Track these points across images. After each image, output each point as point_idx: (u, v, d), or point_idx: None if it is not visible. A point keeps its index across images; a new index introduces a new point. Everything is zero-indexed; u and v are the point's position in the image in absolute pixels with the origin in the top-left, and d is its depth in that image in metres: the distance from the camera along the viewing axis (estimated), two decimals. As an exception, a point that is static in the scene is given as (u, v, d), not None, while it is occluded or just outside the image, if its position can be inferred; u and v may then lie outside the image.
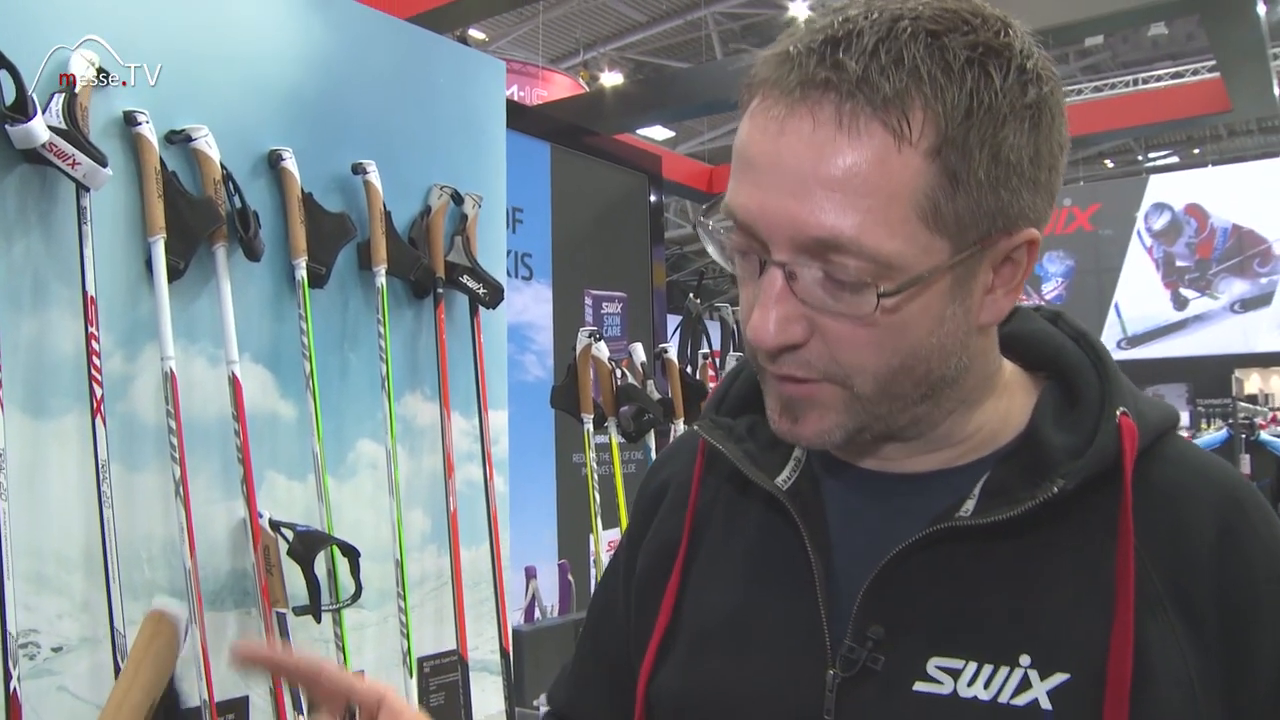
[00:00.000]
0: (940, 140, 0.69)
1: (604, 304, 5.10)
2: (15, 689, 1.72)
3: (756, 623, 0.86)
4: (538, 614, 3.76)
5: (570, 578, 3.94)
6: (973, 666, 0.76)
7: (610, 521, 3.11)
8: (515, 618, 3.36)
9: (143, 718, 0.73)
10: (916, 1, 0.72)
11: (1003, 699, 0.74)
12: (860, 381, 0.76)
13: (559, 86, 12.49)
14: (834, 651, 0.80)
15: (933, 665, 0.77)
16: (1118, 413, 0.78)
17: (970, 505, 0.79)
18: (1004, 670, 0.75)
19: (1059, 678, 0.74)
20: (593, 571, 3.18)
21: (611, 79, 13.48)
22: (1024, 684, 0.74)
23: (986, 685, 0.75)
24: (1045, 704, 0.73)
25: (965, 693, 0.75)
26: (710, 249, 0.80)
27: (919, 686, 0.77)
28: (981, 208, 0.71)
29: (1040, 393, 0.84)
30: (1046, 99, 0.73)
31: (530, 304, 4.68)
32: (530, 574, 3.80)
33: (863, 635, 0.79)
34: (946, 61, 0.69)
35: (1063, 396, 0.83)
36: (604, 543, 3.10)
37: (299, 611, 2.19)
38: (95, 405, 1.90)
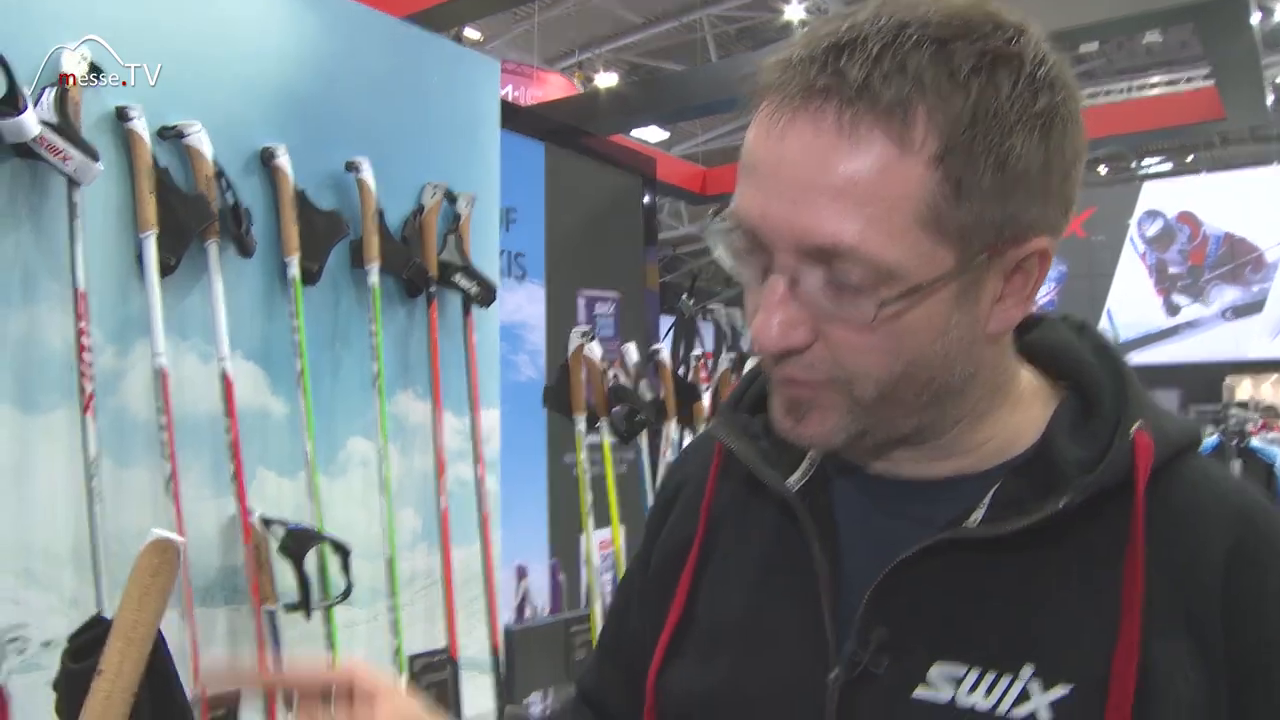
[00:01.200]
0: (943, 148, 0.68)
1: (597, 304, 5.10)
2: (4, 684, 1.72)
3: (764, 624, 0.85)
4: (528, 613, 3.76)
5: (560, 577, 3.94)
6: (975, 674, 0.75)
7: (602, 521, 3.11)
8: (506, 617, 3.35)
9: (149, 649, 0.74)
10: (929, 8, 0.71)
11: (1002, 709, 0.74)
12: (862, 386, 0.75)
13: (554, 87, 12.47)
14: (837, 655, 0.80)
15: (935, 672, 0.76)
16: (1133, 428, 0.77)
17: (979, 515, 0.78)
18: (1006, 678, 0.74)
19: (1061, 689, 0.73)
20: (583, 571, 3.18)
21: (606, 80, 13.47)
22: (1025, 694, 0.74)
23: (988, 693, 0.75)
24: (1044, 716, 0.73)
25: (964, 701, 0.75)
26: (716, 252, 0.80)
27: (919, 693, 0.76)
28: (988, 217, 0.71)
29: (1059, 404, 0.83)
30: (1058, 107, 0.71)
31: (523, 304, 4.67)
32: (521, 573, 3.79)
33: (865, 639, 0.79)
34: (951, 69, 0.68)
35: (1080, 409, 0.82)
36: (595, 543, 3.10)
37: (289, 608, 2.19)
38: (86, 401, 1.89)
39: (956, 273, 0.72)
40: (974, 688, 0.75)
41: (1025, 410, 0.83)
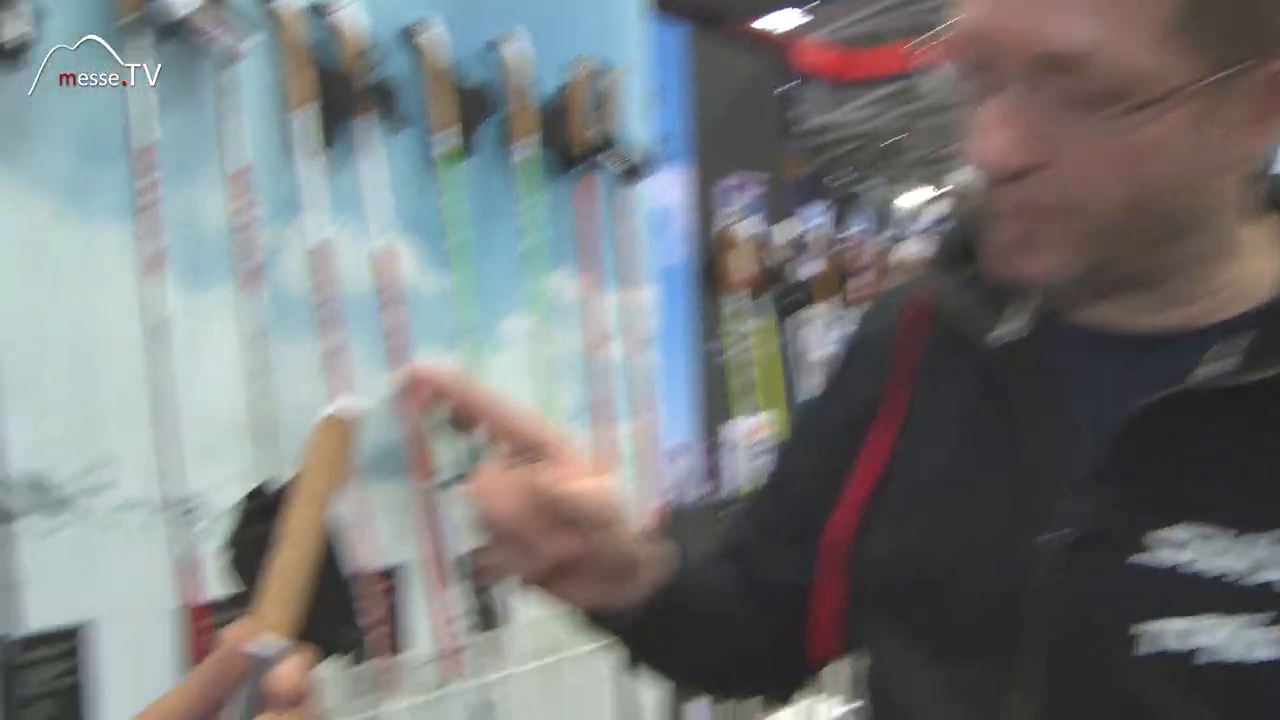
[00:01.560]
0: None
1: (741, 189, 5.01)
2: (191, 550, 1.78)
3: (968, 485, 0.81)
4: (681, 494, 3.78)
5: (712, 460, 3.95)
6: (1223, 536, 0.69)
7: (752, 406, 3.08)
8: (661, 497, 3.38)
9: (326, 519, 0.75)
10: None
11: (1229, 577, 0.67)
12: (1095, 212, 0.69)
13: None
14: (1047, 518, 0.74)
15: (1158, 536, 0.70)
16: None
17: (1226, 365, 0.70)
18: (1249, 541, 0.68)
19: None
20: (734, 455, 3.16)
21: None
22: (1265, 562, 0.67)
23: (1224, 557, 0.68)
24: None
25: (1188, 568, 0.69)
26: (934, 76, 0.74)
27: (1135, 558, 0.71)
28: (1240, 24, 0.64)
29: None
30: None
31: (666, 188, 4.60)
32: (674, 454, 3.81)
33: (1087, 499, 0.73)
34: None
35: None
36: (746, 426, 3.07)
37: (447, 484, 2.21)
38: (249, 277, 1.92)
39: (1204, 85, 0.65)
40: (1202, 555, 0.68)
41: (1264, 258, 0.76)
